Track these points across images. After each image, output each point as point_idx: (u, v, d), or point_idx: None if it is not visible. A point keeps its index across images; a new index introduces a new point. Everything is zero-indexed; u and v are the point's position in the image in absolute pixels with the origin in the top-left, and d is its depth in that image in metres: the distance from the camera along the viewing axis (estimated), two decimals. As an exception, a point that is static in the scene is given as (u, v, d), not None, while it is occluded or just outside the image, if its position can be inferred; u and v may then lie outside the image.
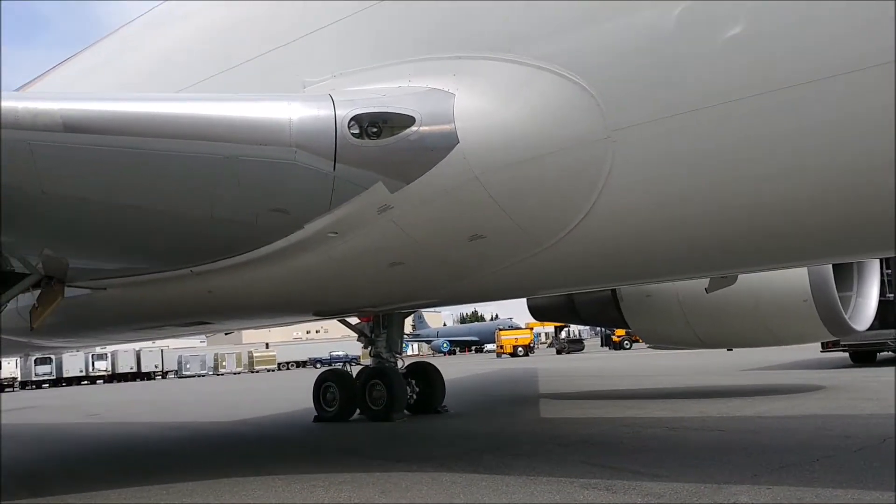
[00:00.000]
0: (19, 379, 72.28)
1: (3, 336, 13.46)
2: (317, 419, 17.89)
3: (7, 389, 68.78)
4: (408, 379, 17.71)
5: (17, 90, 13.55)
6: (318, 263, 8.85)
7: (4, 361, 66.41)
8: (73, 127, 6.85)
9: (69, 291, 11.08)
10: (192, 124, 7.25)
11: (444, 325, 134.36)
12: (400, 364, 18.19)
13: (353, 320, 18.82)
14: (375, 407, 17.20)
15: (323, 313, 14.35)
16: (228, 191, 7.73)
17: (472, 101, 7.25)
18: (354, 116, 7.34)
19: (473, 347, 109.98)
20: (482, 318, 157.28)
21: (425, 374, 18.16)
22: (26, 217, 7.93)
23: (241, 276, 9.43)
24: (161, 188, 7.67)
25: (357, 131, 7.34)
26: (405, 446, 12.73)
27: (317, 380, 18.47)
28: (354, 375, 18.34)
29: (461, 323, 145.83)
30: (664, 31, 6.26)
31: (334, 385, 18.03)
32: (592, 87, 6.62)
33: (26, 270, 10.78)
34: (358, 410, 17.77)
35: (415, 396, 17.62)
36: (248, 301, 11.03)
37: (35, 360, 72.34)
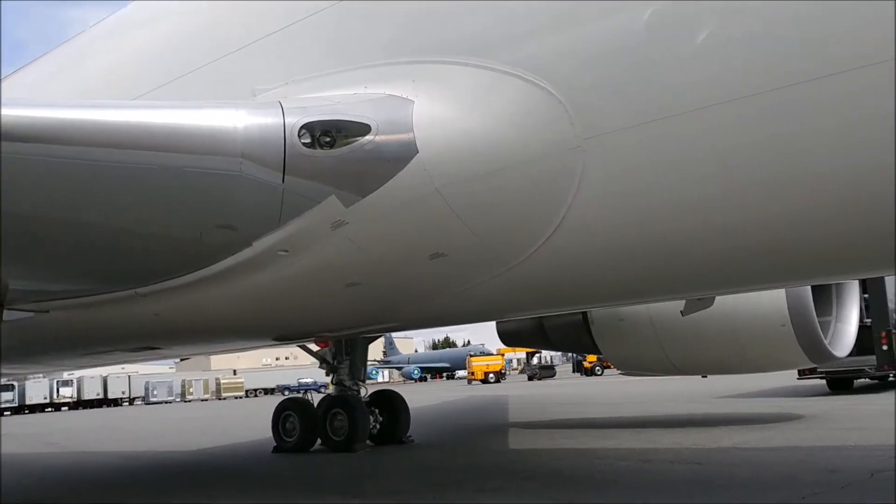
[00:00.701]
0: None
1: (-60, 362, 12.67)
2: (276, 449, 17.14)
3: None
4: (371, 408, 17.04)
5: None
6: (268, 284, 8.27)
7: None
8: (10, 135, 6.23)
9: (10, 315, 10.43)
10: (130, 132, 6.66)
11: (416, 351, 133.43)
12: (363, 392, 17.51)
13: (316, 346, 18.16)
14: (337, 437, 16.46)
15: (283, 338, 13.72)
16: (170, 204, 7.15)
17: (432, 108, 6.73)
18: (305, 124, 6.79)
19: (445, 374, 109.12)
20: (454, 345, 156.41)
21: (389, 402, 17.52)
22: None
23: (189, 298, 8.82)
24: (98, 201, 7.06)
25: (308, 140, 6.79)
26: (365, 479, 12.11)
27: (276, 409, 17.73)
28: (316, 404, 17.61)
29: (433, 349, 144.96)
30: (637, 34, 5.79)
31: (294, 414, 17.31)
32: (561, 92, 6.13)
33: (-40, 292, 10.13)
34: (319, 440, 17.02)
35: (378, 426, 16.94)
36: (197, 325, 10.40)
37: (-2, 388, 70.56)
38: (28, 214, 7.22)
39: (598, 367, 70.98)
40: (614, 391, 36.20)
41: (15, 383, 71.18)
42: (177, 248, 7.85)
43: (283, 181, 6.81)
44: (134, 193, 6.97)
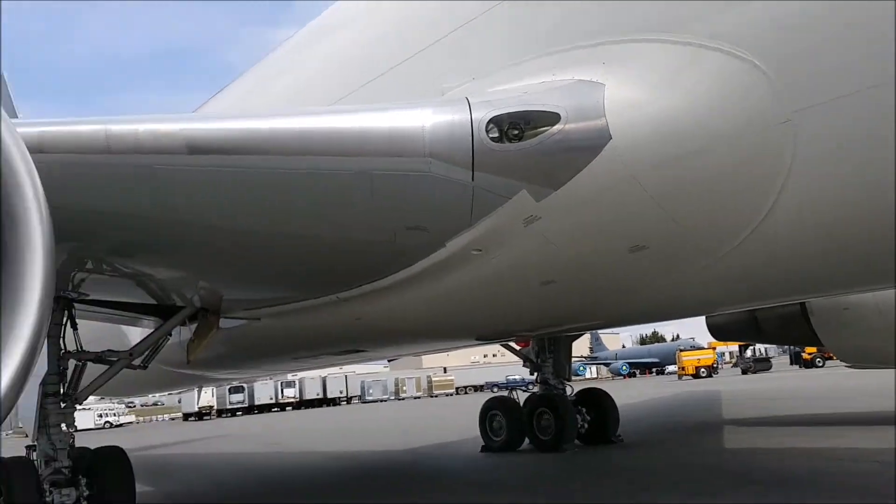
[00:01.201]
0: (216, 407, 76.28)
1: (170, 369, 13.65)
2: (484, 449, 17.12)
3: (205, 417, 72.94)
4: (578, 406, 16.62)
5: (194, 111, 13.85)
6: (464, 284, 8.14)
7: (203, 391, 70.48)
8: (196, 148, 6.49)
9: (226, 323, 11.01)
10: (318, 139, 6.72)
11: (623, 346, 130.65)
12: (569, 390, 17.11)
13: (517, 345, 17.99)
14: (544, 437, 16.21)
15: (484, 338, 13.64)
16: (362, 209, 7.16)
17: (624, 90, 6.29)
18: (492, 118, 6.56)
19: (654, 369, 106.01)
20: (662, 339, 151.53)
21: (596, 400, 17.00)
22: (150, 243, 7.73)
23: (387, 302, 8.88)
24: (291, 209, 7.19)
25: (496, 135, 6.56)
26: (574, 482, 11.73)
27: (482, 408, 17.72)
28: (522, 403, 17.42)
29: (640, 344, 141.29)
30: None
31: (500, 414, 17.21)
32: (767, 63, 5.52)
33: (181, 304, 10.80)
34: (527, 440, 16.81)
35: (586, 425, 16.49)
36: (397, 327, 10.50)
37: (229, 389, 75.98)
38: (237, 228, 7.49)
39: (818, 359, 66.09)
40: (840, 385, 33.45)
41: (245, 385, 76.57)
42: (372, 252, 7.89)
43: (472, 178, 6.63)
44: (328, 199, 7.04)
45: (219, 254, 8.25)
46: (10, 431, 41.07)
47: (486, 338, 13.50)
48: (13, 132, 4.00)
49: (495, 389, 67.87)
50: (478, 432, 17.70)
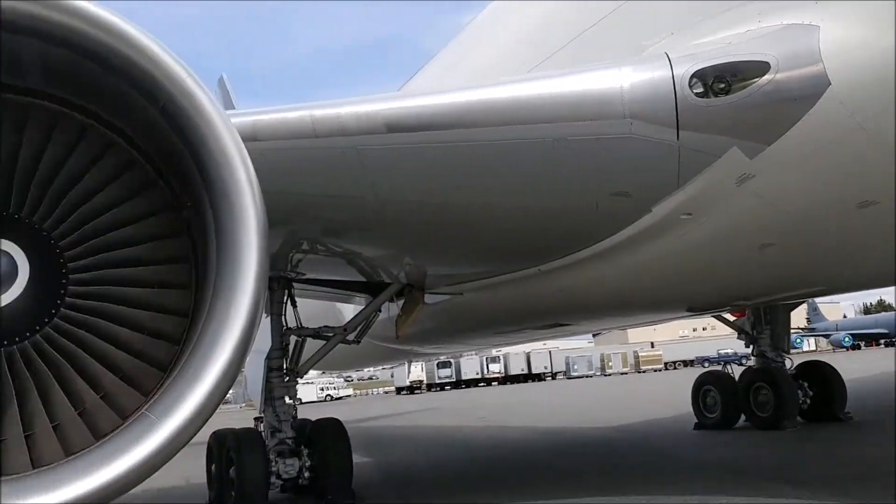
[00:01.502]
0: (425, 381, 79.05)
1: (381, 343, 14.16)
2: (697, 426, 16.42)
3: (416, 391, 75.83)
4: (798, 381, 15.51)
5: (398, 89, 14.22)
6: (673, 252, 7.75)
7: (413, 365, 73.30)
8: (394, 126, 6.57)
9: (431, 298, 11.23)
10: (512, 108, 6.60)
11: (844, 316, 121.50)
12: (789, 364, 16.03)
13: (732, 316, 17.07)
14: (762, 413, 15.25)
15: (695, 309, 13.04)
16: (562, 176, 6.97)
17: (843, 31, 5.68)
18: (696, 73, 6.15)
19: (882, 341, 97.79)
20: (890, 308, 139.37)
21: (820, 374, 15.79)
22: (357, 222, 7.95)
23: (590, 272, 8.64)
24: (490, 182, 7.13)
25: (701, 90, 6.13)
26: (798, 464, 10.94)
27: (695, 383, 16.95)
28: (737, 378, 16.53)
29: (864, 314, 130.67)
30: None
31: (714, 389, 16.39)
32: None
33: (389, 280, 11.12)
34: (743, 417, 15.94)
35: (808, 401, 15.38)
36: (602, 299, 10.23)
37: (437, 364, 78.53)
38: (438, 203, 7.55)
39: None
40: None
41: (452, 360, 78.74)
42: (574, 221, 7.68)
43: (677, 137, 6.25)
44: (525, 169, 6.91)
45: (421, 230, 8.37)
46: (243, 404, 44.68)
47: (697, 309, 12.89)
48: (227, 123, 4.20)
49: (706, 364, 65.44)
50: (690, 409, 17.01)
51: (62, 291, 4.38)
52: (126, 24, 4.02)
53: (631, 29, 7.67)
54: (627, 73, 6.39)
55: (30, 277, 4.30)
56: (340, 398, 77.72)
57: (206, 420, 3.88)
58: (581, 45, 8.32)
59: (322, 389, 77.53)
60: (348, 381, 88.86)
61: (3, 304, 4.21)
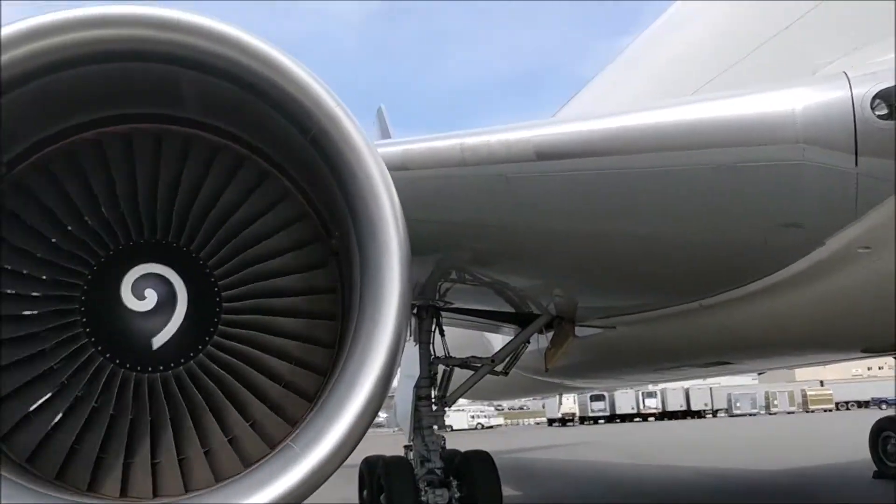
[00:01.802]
0: (577, 414, 77.64)
1: (529, 375, 13.90)
2: (876, 475, 15.10)
3: (568, 423, 74.64)
4: None
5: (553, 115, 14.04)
6: (848, 288, 7.10)
7: (565, 397, 72.24)
8: (545, 154, 6.35)
9: (582, 331, 10.91)
10: (674, 132, 6.21)
11: None
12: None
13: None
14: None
15: (872, 350, 12.01)
16: (725, 206, 6.52)
17: None
18: (878, 93, 5.57)
19: None
20: None
21: None
22: (505, 251, 7.78)
23: (757, 308, 8.06)
24: (645, 211, 6.77)
25: (884, 112, 5.56)
26: None
27: (873, 428, 15.66)
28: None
29: None
30: None
31: (895, 435, 15.06)
32: None
33: (538, 311, 10.89)
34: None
35: None
36: (768, 336, 9.53)
37: (590, 397, 76.96)
38: (590, 233, 7.27)
39: None
40: None
41: (605, 394, 77.03)
42: (740, 253, 7.18)
43: (855, 164, 5.70)
44: (688, 198, 6.51)
45: (572, 260, 8.10)
46: (396, 428, 45.40)
47: (875, 350, 11.86)
48: (374, 153, 4.14)
49: (884, 406, 60.64)
50: (866, 455, 15.70)
51: (216, 320, 4.45)
52: (281, 55, 4.04)
53: (801, 49, 7.16)
54: (800, 94, 5.89)
55: (188, 305, 4.39)
56: (491, 427, 77.58)
57: (348, 454, 3.80)
58: (746, 67, 7.85)
59: (473, 417, 77.73)
60: (499, 409, 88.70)
61: (166, 333, 4.31)
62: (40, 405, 4.20)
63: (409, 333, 11.60)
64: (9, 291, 4.25)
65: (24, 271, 4.29)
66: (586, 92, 13.57)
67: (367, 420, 3.79)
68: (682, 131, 6.19)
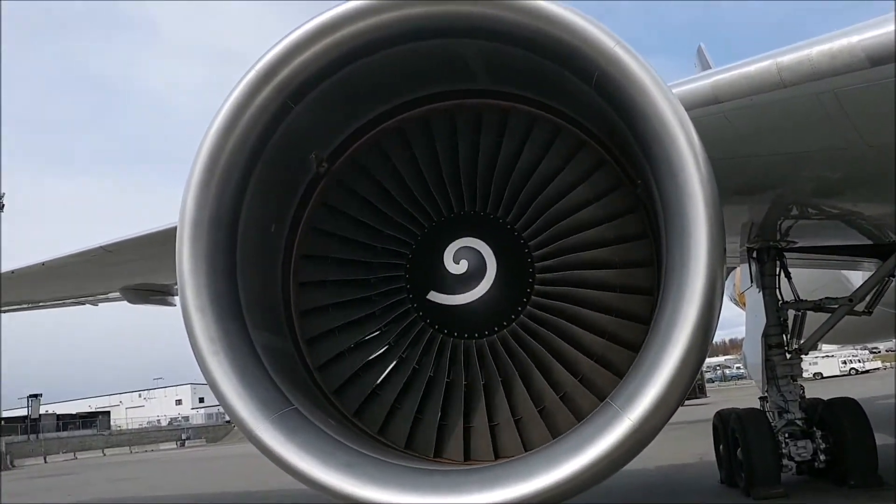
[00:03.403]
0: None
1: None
2: None
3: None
4: None
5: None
6: None
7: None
8: (880, 58, 5.44)
9: None
10: None
11: None
12: None
13: None
14: None
15: None
16: None
17: None
18: None
19: None
20: None
21: None
22: (853, 178, 6.90)
23: None
24: None
25: None
26: None
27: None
28: None
29: None
30: None
31: None
32: None
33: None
34: None
35: None
36: None
37: None
38: None
39: None
40: None
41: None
42: None
43: None
44: None
45: None
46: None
47: None
48: (662, 87, 3.81)
49: None
50: None
51: (529, 290, 4.48)
52: (553, 6, 3.89)
53: None
54: None
55: (496, 276, 4.46)
56: (867, 371, 70.78)
57: (673, 409, 3.57)
58: None
59: (844, 363, 71.51)
60: (874, 352, 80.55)
61: (472, 300, 4.44)
62: (367, 364, 4.54)
63: (750, 279, 10.93)
64: (344, 258, 4.64)
65: (360, 239, 4.63)
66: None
67: (688, 373, 3.55)
68: None
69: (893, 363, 71.65)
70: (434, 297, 4.49)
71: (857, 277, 12.36)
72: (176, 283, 3.97)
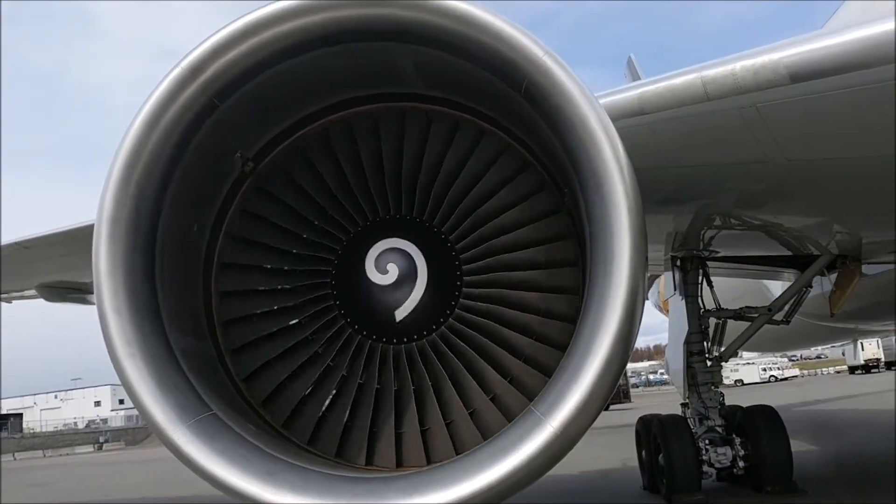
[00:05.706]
0: (883, 359, 70.74)
1: (815, 322, 12.82)
2: None
3: (873, 370, 68.49)
4: None
5: None
6: None
7: (867, 342, 65.95)
8: (800, 75, 5.58)
9: (869, 269, 9.85)
10: None
11: None
12: None
13: None
14: None
15: None
16: None
17: None
18: None
19: None
20: None
21: None
22: (773, 191, 7.06)
23: None
24: None
25: None
26: None
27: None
28: None
29: None
30: None
31: None
32: None
33: (817, 252, 9.92)
34: None
35: None
36: None
37: (897, 340, 69.85)
38: (871, 157, 6.33)
39: None
40: None
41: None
42: None
43: None
44: None
45: (850, 192, 7.21)
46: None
47: None
48: (588, 97, 3.84)
49: None
50: None
51: (457, 293, 4.48)
52: (484, 14, 3.88)
53: None
54: None
55: (428, 279, 4.44)
56: (785, 379, 73.02)
57: (593, 419, 3.60)
58: None
59: (764, 370, 73.65)
60: (793, 360, 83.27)
61: (407, 306, 4.40)
62: (294, 373, 4.47)
63: (673, 287, 11.12)
64: (267, 266, 4.59)
65: (283, 247, 4.59)
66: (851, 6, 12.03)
67: (609, 381, 3.58)
68: None
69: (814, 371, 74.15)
70: (362, 302, 4.45)
71: (777, 287, 12.68)
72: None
